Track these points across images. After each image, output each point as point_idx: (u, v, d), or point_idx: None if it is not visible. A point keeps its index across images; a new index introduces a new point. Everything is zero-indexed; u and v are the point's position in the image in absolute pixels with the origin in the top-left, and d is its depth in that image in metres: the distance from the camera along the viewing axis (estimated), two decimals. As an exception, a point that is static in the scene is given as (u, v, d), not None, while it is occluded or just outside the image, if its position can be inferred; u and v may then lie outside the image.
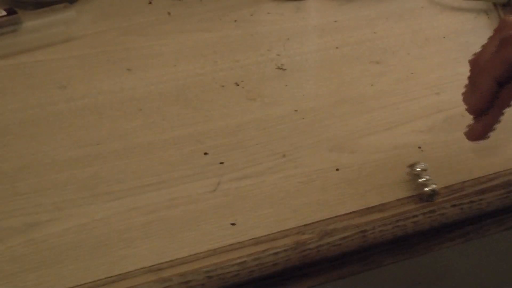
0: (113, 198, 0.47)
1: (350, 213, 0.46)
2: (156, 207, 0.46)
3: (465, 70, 0.60)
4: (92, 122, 0.53)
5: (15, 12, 0.61)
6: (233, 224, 0.45)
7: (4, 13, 0.61)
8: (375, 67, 0.59)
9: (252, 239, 0.45)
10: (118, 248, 0.43)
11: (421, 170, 0.49)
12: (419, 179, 0.48)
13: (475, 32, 0.64)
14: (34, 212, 0.46)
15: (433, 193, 0.47)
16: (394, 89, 0.57)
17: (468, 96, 0.47)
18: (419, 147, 0.52)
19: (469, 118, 0.55)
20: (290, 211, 0.46)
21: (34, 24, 0.61)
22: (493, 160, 0.51)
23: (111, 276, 0.42)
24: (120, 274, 0.42)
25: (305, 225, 0.45)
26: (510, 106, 0.46)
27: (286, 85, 0.57)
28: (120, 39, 0.62)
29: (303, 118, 0.54)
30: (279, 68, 0.59)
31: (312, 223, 0.45)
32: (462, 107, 0.56)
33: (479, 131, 0.47)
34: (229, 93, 0.56)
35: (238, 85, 0.57)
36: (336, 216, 0.46)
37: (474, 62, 0.46)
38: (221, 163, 0.50)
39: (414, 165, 0.49)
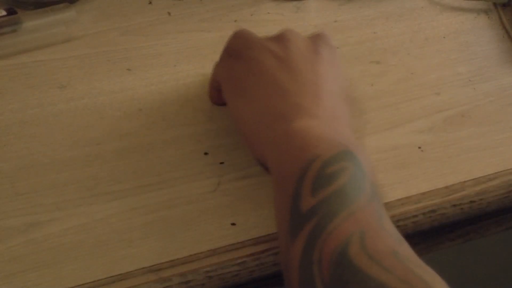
0: (113, 198, 0.47)
1: (350, 213, 0.46)
2: (156, 207, 0.46)
3: (465, 70, 0.60)
4: (92, 122, 0.53)
5: (15, 12, 0.61)
6: (233, 224, 0.45)
7: (4, 13, 0.61)
8: (375, 67, 0.59)
9: (252, 239, 0.45)
10: (118, 248, 0.43)
11: None
12: None
13: (475, 32, 0.64)
14: (34, 212, 0.46)
15: None
16: (394, 89, 0.57)
17: None
18: (419, 147, 0.52)
19: (469, 118, 0.55)
20: (290, 211, 0.46)
21: (34, 24, 0.61)
22: (493, 160, 0.51)
23: (111, 276, 0.42)
24: (120, 274, 0.42)
25: (305, 225, 0.45)
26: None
27: (286, 85, 0.57)
28: (120, 39, 0.62)
29: (303, 118, 0.54)
30: (279, 68, 0.59)
31: (312, 223, 0.45)
32: (462, 107, 0.56)
33: None
34: (229, 93, 0.56)
35: (238, 85, 0.57)
36: (336, 216, 0.46)
37: None
38: (221, 163, 0.50)
39: None
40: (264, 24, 0.64)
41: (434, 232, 0.49)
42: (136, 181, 0.48)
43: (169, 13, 0.65)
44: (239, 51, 0.50)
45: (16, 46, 0.60)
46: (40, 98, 0.55)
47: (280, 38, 0.50)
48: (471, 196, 0.48)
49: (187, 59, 0.59)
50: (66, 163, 0.50)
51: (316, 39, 0.51)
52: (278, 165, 0.44)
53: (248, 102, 0.48)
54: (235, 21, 0.64)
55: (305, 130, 0.44)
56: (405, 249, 0.38)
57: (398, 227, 0.46)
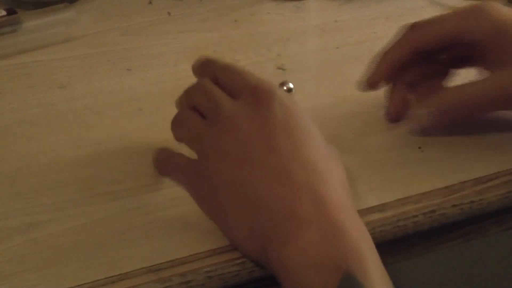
0: (113, 198, 0.47)
1: (350, 213, 0.46)
2: (156, 207, 0.46)
3: (464, 70, 0.60)
4: (92, 122, 0.53)
5: (15, 12, 0.61)
6: (233, 224, 0.45)
7: (4, 13, 0.61)
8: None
9: (252, 239, 0.45)
10: (118, 248, 0.43)
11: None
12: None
13: (475, 32, 0.64)
14: (34, 212, 0.46)
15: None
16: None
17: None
18: (419, 147, 0.52)
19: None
20: (290, 211, 0.46)
21: (34, 24, 0.61)
22: (493, 160, 0.51)
23: (111, 276, 0.42)
24: (120, 274, 0.42)
25: (305, 225, 0.45)
26: None
27: (286, 85, 0.57)
28: (120, 39, 0.62)
29: (303, 118, 0.54)
30: (279, 68, 0.59)
31: (312, 223, 0.45)
32: (462, 107, 0.56)
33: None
34: (229, 93, 0.56)
35: (238, 85, 0.57)
36: (336, 216, 0.46)
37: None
38: (221, 163, 0.50)
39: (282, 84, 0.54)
40: (264, 24, 0.64)
41: (434, 232, 0.49)
42: (136, 181, 0.48)
43: (169, 13, 0.65)
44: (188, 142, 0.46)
45: (16, 46, 0.60)
46: (40, 98, 0.55)
47: (225, 128, 0.43)
48: (471, 196, 0.48)
49: (187, 59, 0.59)
50: (66, 163, 0.50)
51: (258, 108, 0.43)
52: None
53: (229, 222, 0.43)
54: (235, 21, 0.64)
55: (296, 258, 0.38)
56: None
57: (398, 227, 0.46)
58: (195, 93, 0.47)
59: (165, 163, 0.48)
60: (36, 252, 0.43)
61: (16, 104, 0.54)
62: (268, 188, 0.41)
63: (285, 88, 0.53)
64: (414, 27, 0.51)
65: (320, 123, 0.54)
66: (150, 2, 0.66)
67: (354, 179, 0.49)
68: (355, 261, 0.37)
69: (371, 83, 0.53)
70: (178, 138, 0.47)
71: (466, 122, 0.54)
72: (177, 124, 0.47)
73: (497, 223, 0.52)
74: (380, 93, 0.57)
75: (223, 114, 0.44)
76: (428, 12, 0.66)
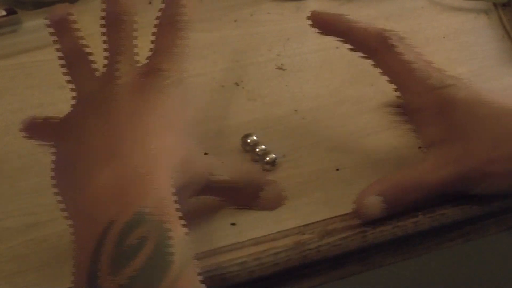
0: (113, 198, 0.47)
1: (350, 213, 0.46)
2: (156, 207, 0.46)
3: (465, 70, 0.60)
4: (92, 122, 0.53)
5: (15, 12, 0.61)
6: (233, 224, 0.45)
7: (4, 13, 0.61)
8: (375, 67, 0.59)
9: (252, 239, 0.45)
10: (118, 248, 0.43)
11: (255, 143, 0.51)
12: (256, 150, 0.50)
13: (475, 32, 0.64)
14: (34, 212, 0.46)
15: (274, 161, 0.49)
16: (394, 89, 0.57)
17: None
18: (419, 147, 0.52)
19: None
20: (290, 211, 0.46)
21: (34, 24, 0.61)
22: (493, 160, 0.51)
23: (111, 276, 0.42)
24: (120, 274, 0.42)
25: (305, 225, 0.45)
26: None
27: (286, 85, 0.57)
28: (120, 39, 0.62)
29: (303, 118, 0.54)
30: (279, 68, 0.59)
31: (312, 223, 0.45)
32: (462, 107, 0.56)
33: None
34: (229, 93, 0.56)
35: (238, 85, 0.57)
36: (336, 216, 0.46)
37: None
38: (221, 163, 0.50)
39: (247, 136, 0.51)
40: (264, 24, 0.64)
41: (434, 232, 0.49)
42: (136, 181, 0.48)
43: (169, 13, 0.65)
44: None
45: (16, 46, 0.60)
46: (40, 98, 0.55)
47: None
48: (471, 196, 0.48)
49: (187, 59, 0.59)
50: (66, 163, 0.49)
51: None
52: (74, 231, 0.39)
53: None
54: (235, 21, 0.64)
55: (99, 187, 0.38)
56: None
57: (398, 227, 0.46)
58: (111, 28, 0.49)
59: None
60: (36, 252, 0.43)
61: (16, 104, 0.54)
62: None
63: (248, 140, 0.51)
64: (397, 41, 0.50)
65: (320, 123, 0.54)
66: (150, 2, 0.66)
67: (354, 179, 0.49)
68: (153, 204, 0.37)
69: (315, 17, 0.53)
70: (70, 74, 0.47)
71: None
72: (73, 58, 0.48)
73: (497, 223, 0.52)
74: (380, 94, 0.57)
75: (115, 83, 0.45)
76: (428, 12, 0.66)
